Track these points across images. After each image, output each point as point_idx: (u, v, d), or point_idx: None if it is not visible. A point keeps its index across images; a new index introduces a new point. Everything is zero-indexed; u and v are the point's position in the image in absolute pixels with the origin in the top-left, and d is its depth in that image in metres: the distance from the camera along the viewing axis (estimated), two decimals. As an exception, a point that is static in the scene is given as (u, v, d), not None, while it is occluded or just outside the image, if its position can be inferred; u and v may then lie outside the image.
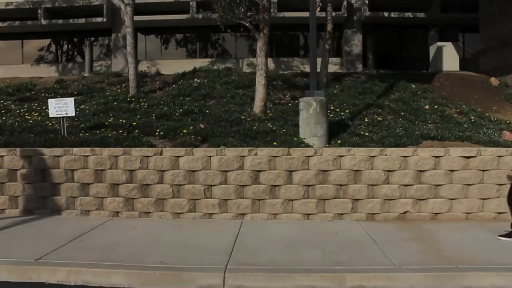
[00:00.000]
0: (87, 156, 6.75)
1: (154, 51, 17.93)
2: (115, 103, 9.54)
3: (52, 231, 5.81)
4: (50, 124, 8.33)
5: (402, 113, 8.87)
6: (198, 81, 11.42)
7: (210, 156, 6.65)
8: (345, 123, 8.17)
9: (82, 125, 8.15)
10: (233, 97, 10.03)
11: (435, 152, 6.60)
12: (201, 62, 15.62)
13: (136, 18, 12.04)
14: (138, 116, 8.58)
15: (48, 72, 16.49)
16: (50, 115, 7.72)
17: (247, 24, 8.92)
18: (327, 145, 7.11)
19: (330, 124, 7.50)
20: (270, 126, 7.96)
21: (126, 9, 10.56)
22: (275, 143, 6.99)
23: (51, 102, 7.66)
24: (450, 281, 4.24)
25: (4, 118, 8.91)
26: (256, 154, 6.60)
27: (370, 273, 4.28)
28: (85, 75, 13.42)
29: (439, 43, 15.50)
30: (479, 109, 9.68)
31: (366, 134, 7.59)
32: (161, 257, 4.70)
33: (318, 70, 10.03)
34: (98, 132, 7.75)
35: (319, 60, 9.57)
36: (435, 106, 9.45)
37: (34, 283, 4.32)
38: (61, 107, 7.56)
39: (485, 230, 5.88)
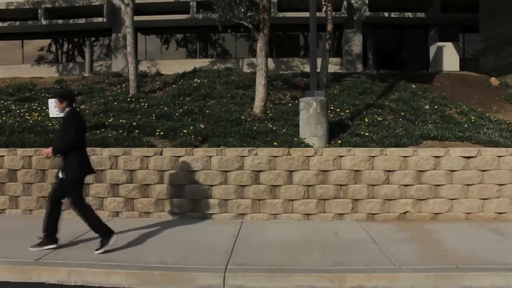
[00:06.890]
0: (87, 156, 6.74)
1: (154, 51, 17.93)
2: (115, 103, 9.53)
3: (52, 231, 5.79)
4: (50, 124, 8.31)
5: (402, 113, 8.86)
6: (198, 81, 11.41)
7: (210, 156, 6.65)
8: (345, 123, 8.16)
9: (82, 125, 8.13)
10: (233, 97, 10.02)
11: (435, 152, 6.60)
12: (201, 62, 15.61)
13: (136, 18, 12.03)
14: (138, 116, 8.57)
15: (48, 72, 16.48)
16: (50, 115, 7.71)
17: (247, 24, 8.91)
18: (327, 145, 7.11)
19: (330, 124, 7.50)
20: (270, 126, 7.96)
21: (126, 9, 10.56)
22: (275, 143, 6.99)
23: (51, 102, 7.64)
24: (450, 281, 4.24)
25: (4, 118, 8.90)
26: (256, 154, 6.61)
27: (370, 273, 4.28)
28: (85, 75, 13.40)
29: (439, 43, 15.49)
30: (479, 109, 9.67)
31: (366, 134, 7.58)
32: (161, 257, 4.70)
33: (318, 70, 10.02)
34: (98, 132, 7.75)
35: (319, 60, 9.56)
36: (435, 106, 9.44)
37: (34, 283, 4.32)
38: (61, 107, 7.54)
39: (485, 230, 5.89)
